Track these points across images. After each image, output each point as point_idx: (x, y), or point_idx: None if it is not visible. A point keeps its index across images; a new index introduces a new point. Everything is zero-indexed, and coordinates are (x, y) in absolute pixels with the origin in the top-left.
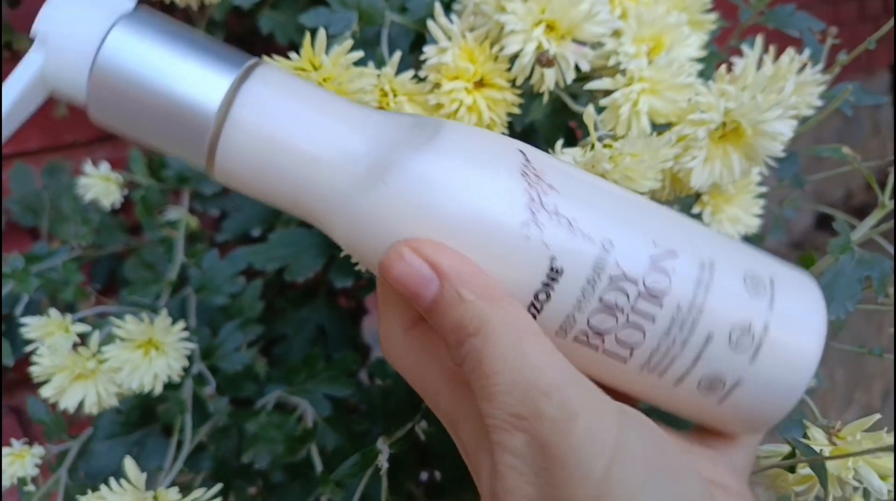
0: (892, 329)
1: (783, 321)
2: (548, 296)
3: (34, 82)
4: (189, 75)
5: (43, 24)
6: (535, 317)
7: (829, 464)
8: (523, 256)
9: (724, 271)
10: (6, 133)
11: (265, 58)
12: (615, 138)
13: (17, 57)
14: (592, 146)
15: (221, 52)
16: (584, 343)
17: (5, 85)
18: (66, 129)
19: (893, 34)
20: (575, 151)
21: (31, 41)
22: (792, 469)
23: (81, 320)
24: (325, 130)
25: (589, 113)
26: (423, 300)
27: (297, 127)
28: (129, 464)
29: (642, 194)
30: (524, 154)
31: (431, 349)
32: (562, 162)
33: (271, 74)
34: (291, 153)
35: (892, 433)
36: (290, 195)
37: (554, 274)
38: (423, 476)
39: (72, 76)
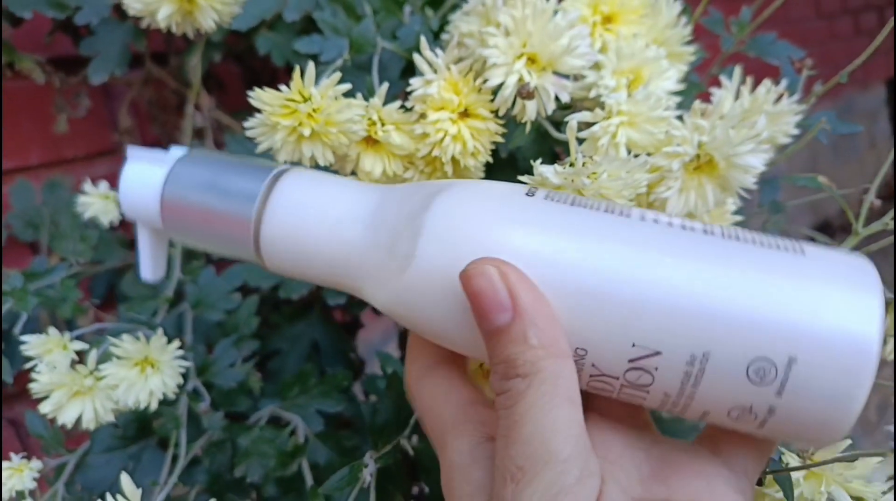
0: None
1: (794, 401)
2: None
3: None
4: (233, 188)
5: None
6: None
7: (804, 486)
8: None
9: (720, 361)
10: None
11: (292, 165)
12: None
13: (19, 76)
14: (573, 163)
15: (255, 168)
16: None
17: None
18: (66, 144)
19: (894, 49)
20: (555, 167)
21: (33, 61)
22: (759, 482)
23: (79, 337)
24: (343, 221)
25: (571, 127)
26: (490, 324)
27: (318, 220)
28: (125, 479)
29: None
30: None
31: (445, 393)
32: (545, 263)
33: (295, 177)
34: (317, 244)
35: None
36: (331, 279)
37: None
38: (416, 490)
39: (148, 214)
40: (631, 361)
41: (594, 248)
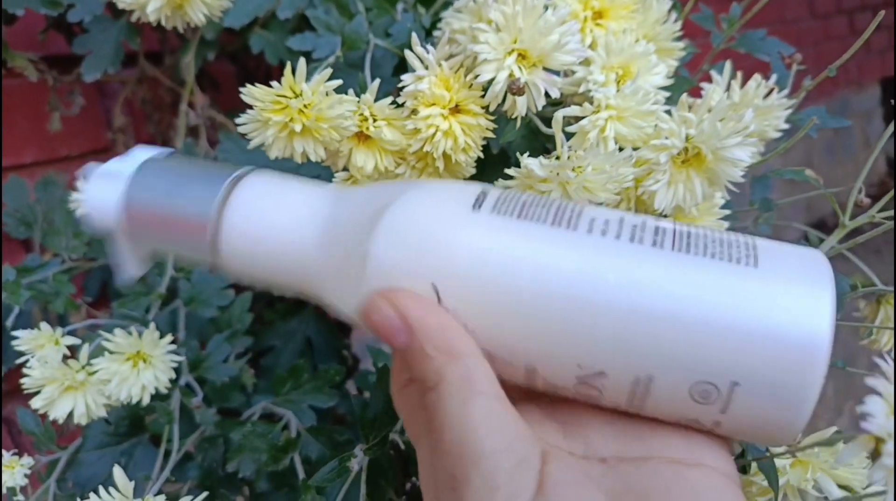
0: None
1: (740, 415)
2: None
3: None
4: (191, 194)
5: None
6: None
7: (790, 474)
8: None
9: (663, 384)
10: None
11: (255, 170)
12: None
13: (12, 74)
14: (558, 157)
15: (216, 172)
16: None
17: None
18: (60, 142)
19: (894, 49)
20: (540, 160)
21: (26, 59)
22: (743, 470)
23: (72, 332)
24: (300, 226)
25: (557, 119)
26: (396, 347)
27: (276, 224)
28: (118, 473)
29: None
30: (435, 289)
31: (416, 417)
32: (488, 284)
33: (257, 179)
34: (275, 248)
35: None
36: (290, 285)
37: None
38: (409, 485)
39: (110, 217)
40: (578, 377)
41: (535, 270)
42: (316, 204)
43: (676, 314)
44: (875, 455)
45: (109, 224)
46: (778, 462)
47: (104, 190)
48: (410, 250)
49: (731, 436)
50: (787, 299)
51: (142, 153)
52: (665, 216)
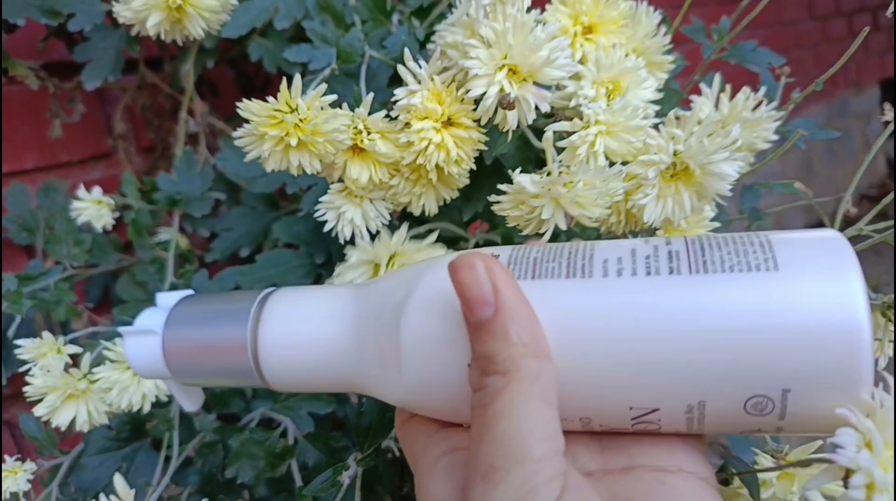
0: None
1: (800, 415)
2: None
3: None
4: (223, 327)
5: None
6: None
7: (776, 487)
8: None
9: (717, 405)
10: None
11: (276, 288)
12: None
13: (13, 82)
14: (549, 173)
15: (241, 299)
16: None
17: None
18: (61, 148)
19: (894, 51)
20: (531, 176)
21: (27, 68)
22: (726, 482)
23: (73, 340)
24: (330, 332)
25: (548, 138)
26: (473, 316)
27: (308, 336)
28: (118, 480)
29: (594, 222)
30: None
31: (416, 443)
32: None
33: (280, 297)
34: (313, 357)
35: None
36: (338, 386)
37: None
38: (405, 489)
39: (156, 371)
40: (633, 418)
41: (562, 331)
42: (340, 306)
43: (710, 339)
44: (846, 484)
45: (157, 377)
46: (764, 474)
47: (143, 348)
48: (442, 319)
49: (798, 432)
50: (816, 295)
51: (164, 299)
52: (655, 230)
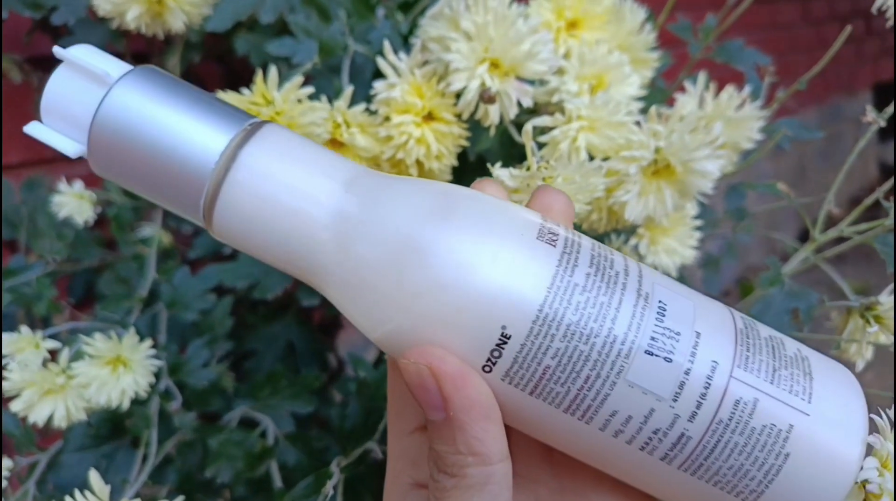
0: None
1: None
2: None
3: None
4: (188, 133)
5: (51, 84)
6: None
7: None
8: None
9: None
10: None
11: (269, 121)
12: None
13: None
14: (528, 168)
15: (223, 111)
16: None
17: None
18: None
19: (895, 55)
20: (510, 170)
21: (11, 61)
22: None
23: (54, 335)
24: (319, 195)
25: (527, 131)
26: (426, 415)
27: (294, 192)
28: (94, 477)
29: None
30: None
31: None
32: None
33: (274, 134)
34: (288, 217)
35: None
36: (285, 258)
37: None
38: None
39: (74, 131)
40: None
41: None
42: (340, 180)
43: None
44: None
45: (63, 135)
46: None
47: (74, 91)
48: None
49: None
50: (836, 436)
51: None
52: (637, 228)
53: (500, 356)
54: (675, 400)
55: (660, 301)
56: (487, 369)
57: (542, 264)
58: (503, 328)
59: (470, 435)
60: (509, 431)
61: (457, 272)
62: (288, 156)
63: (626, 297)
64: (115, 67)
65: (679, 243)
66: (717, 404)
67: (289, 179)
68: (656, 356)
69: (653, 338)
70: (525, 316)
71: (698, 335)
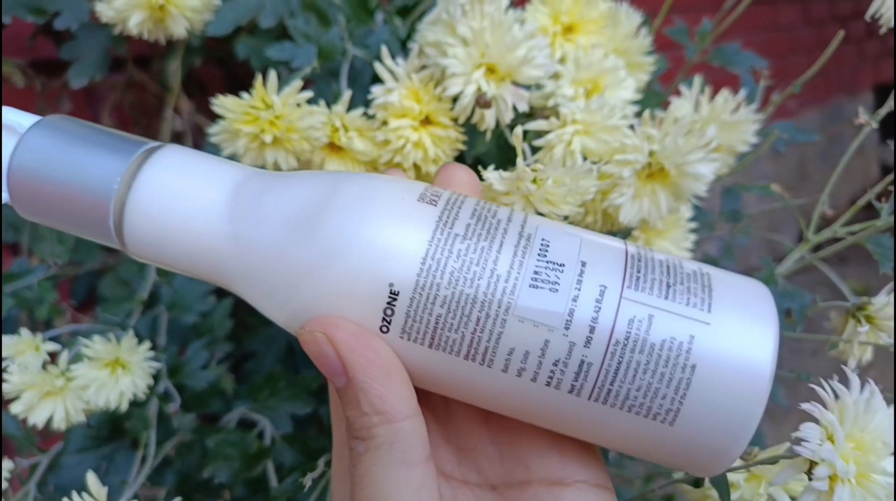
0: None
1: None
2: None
3: None
4: (93, 165)
5: None
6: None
7: (744, 488)
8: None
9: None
10: None
11: (168, 143)
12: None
13: None
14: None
15: (125, 142)
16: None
17: None
18: None
19: (895, 56)
20: (500, 173)
21: (14, 65)
22: (696, 484)
23: (54, 338)
24: (210, 201)
25: (517, 134)
26: (331, 382)
27: (188, 202)
28: (91, 478)
29: (565, 218)
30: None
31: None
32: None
33: (171, 154)
34: (186, 226)
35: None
36: (192, 266)
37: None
38: None
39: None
40: None
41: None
42: (231, 184)
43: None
44: (810, 476)
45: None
46: (732, 476)
47: None
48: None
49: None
50: (740, 335)
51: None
52: (631, 230)
53: (392, 314)
54: (567, 328)
55: (542, 239)
56: (385, 329)
57: (423, 221)
58: (391, 285)
59: (372, 395)
60: (449, 403)
61: (341, 242)
62: (182, 171)
63: (507, 239)
64: (28, 120)
65: (674, 246)
66: (611, 325)
67: (183, 192)
68: (541, 288)
69: (536, 272)
70: (409, 270)
71: (584, 264)
